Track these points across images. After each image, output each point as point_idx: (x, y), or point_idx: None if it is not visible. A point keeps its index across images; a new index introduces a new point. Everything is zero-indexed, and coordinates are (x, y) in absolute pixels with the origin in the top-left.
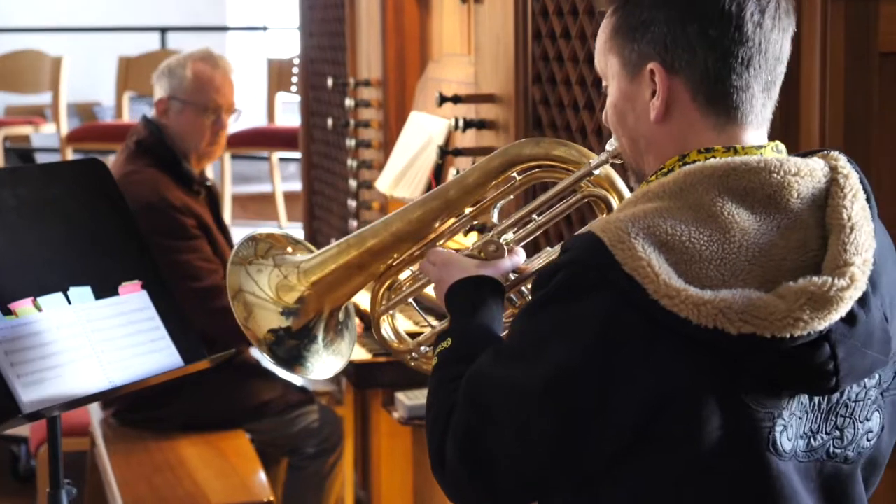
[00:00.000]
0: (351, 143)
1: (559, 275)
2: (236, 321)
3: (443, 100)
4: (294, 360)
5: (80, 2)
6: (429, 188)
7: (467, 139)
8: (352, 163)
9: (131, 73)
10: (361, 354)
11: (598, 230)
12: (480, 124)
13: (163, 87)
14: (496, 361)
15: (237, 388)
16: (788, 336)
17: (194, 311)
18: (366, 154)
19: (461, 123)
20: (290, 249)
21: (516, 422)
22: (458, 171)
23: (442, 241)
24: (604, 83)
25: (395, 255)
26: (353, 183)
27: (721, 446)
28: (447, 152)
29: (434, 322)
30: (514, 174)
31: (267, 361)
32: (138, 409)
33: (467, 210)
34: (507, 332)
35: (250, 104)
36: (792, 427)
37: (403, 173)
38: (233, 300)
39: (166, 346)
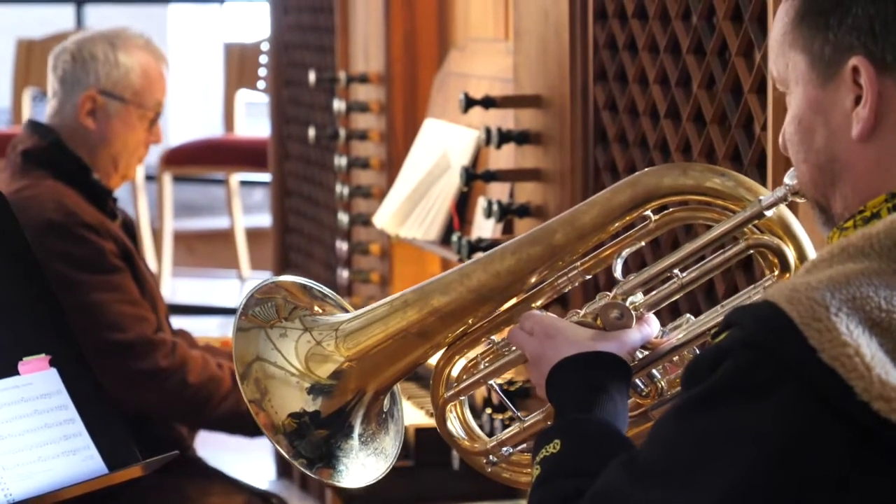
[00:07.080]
0: (341, 161)
1: (725, 363)
2: (171, 391)
3: (469, 103)
4: (320, 458)
5: None
6: (450, 225)
7: (503, 157)
8: (342, 189)
9: (34, 61)
10: None
11: (781, 301)
12: (521, 137)
13: (85, 78)
14: (634, 479)
15: (182, 498)
16: None
17: (111, 375)
18: (362, 177)
19: (494, 136)
20: (316, 308)
21: None
22: (489, 203)
23: (540, 303)
24: (779, 88)
25: (471, 320)
26: (343, 218)
27: None
28: (475, 176)
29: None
30: (649, 212)
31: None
32: None
33: (577, 260)
34: (631, 426)
35: (200, 106)
36: None
37: (414, 205)
38: (242, 377)
39: (84, 444)
